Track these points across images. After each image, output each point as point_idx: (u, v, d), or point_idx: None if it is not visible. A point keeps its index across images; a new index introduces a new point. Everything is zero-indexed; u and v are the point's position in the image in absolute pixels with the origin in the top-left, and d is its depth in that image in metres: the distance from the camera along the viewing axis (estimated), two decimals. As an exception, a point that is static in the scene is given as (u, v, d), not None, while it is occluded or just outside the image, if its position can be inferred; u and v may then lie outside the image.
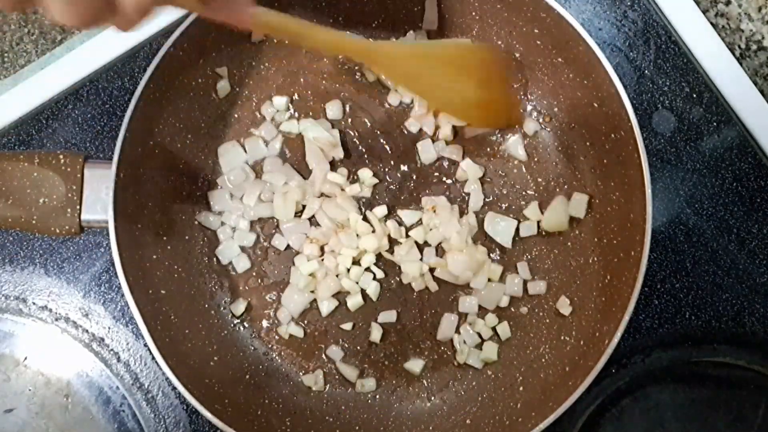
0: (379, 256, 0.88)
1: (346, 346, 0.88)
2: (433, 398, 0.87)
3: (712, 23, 0.98)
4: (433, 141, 0.91)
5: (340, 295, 0.88)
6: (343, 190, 0.89)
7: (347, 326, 0.87)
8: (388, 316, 0.88)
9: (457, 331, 0.87)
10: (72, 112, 0.93)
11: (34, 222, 0.76)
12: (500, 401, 0.84)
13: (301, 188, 0.88)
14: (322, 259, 0.87)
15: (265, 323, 0.88)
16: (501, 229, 0.88)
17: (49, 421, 0.87)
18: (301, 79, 0.92)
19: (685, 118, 0.94)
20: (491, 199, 0.90)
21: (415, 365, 0.87)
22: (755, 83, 0.95)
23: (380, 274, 0.88)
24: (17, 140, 0.93)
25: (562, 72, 0.87)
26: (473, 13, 0.89)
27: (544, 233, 0.89)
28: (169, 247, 0.85)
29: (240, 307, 0.88)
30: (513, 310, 0.88)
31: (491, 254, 0.89)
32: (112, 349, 0.89)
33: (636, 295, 0.76)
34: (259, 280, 0.89)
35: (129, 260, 0.77)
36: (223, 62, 0.89)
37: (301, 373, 0.87)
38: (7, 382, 0.88)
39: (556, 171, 0.90)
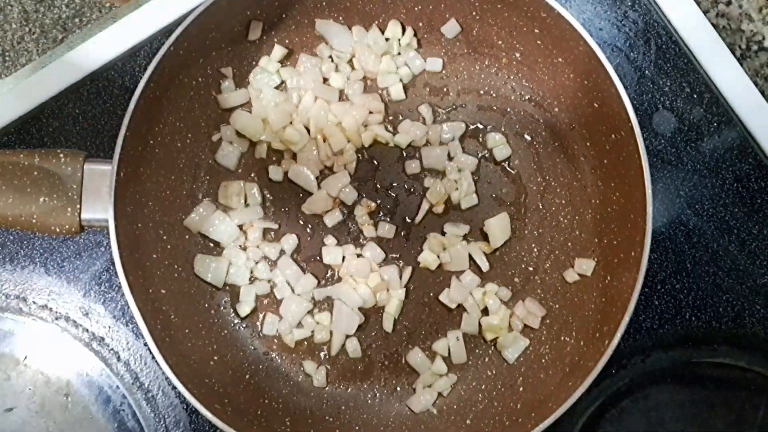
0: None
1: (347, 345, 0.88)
2: (432, 398, 0.87)
3: (712, 23, 0.97)
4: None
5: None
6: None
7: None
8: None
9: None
10: (72, 111, 0.93)
11: (34, 221, 0.75)
12: (500, 401, 0.84)
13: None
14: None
15: (267, 328, 0.88)
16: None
17: (49, 420, 0.87)
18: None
19: (686, 119, 0.94)
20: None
21: (415, 356, 0.87)
22: (756, 84, 0.95)
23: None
24: (17, 139, 0.93)
25: (563, 72, 0.87)
26: (473, 13, 0.89)
27: (541, 232, 0.89)
28: (169, 247, 0.85)
29: (245, 308, 0.88)
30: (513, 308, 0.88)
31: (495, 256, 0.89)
32: (112, 349, 0.89)
33: (636, 296, 0.76)
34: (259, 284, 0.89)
35: (129, 259, 0.77)
36: (224, 61, 0.89)
37: (301, 370, 0.87)
38: (7, 381, 0.88)
39: (556, 171, 0.90)
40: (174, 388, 0.82)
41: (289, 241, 0.88)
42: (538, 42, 0.87)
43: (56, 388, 0.88)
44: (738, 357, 0.88)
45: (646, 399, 0.87)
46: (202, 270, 0.86)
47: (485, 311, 0.88)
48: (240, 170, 0.90)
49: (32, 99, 0.93)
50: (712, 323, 0.90)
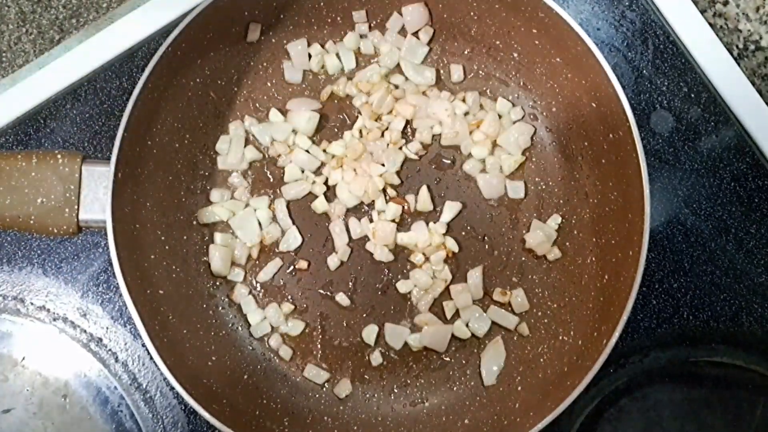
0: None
1: (345, 345, 0.88)
2: (431, 398, 0.87)
3: (710, 23, 0.98)
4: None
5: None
6: None
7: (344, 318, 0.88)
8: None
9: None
10: (70, 112, 0.93)
11: (32, 222, 0.75)
12: (498, 401, 0.84)
13: None
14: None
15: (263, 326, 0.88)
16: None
17: (47, 421, 0.87)
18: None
19: (683, 118, 0.94)
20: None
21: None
22: (753, 83, 0.96)
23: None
24: (15, 140, 0.92)
25: (561, 72, 0.87)
26: (471, 13, 0.89)
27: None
28: (167, 247, 0.85)
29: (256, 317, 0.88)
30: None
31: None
32: (110, 349, 0.89)
33: (634, 295, 0.76)
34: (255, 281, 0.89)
35: (127, 260, 0.77)
36: (222, 63, 0.89)
37: (300, 370, 0.87)
38: (5, 382, 0.88)
39: (554, 170, 0.91)
40: (172, 388, 0.82)
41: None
42: (536, 42, 0.87)
43: (54, 388, 0.88)
44: (735, 356, 0.89)
45: (644, 398, 0.88)
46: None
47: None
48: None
49: (30, 100, 0.93)
50: (709, 322, 0.90)
